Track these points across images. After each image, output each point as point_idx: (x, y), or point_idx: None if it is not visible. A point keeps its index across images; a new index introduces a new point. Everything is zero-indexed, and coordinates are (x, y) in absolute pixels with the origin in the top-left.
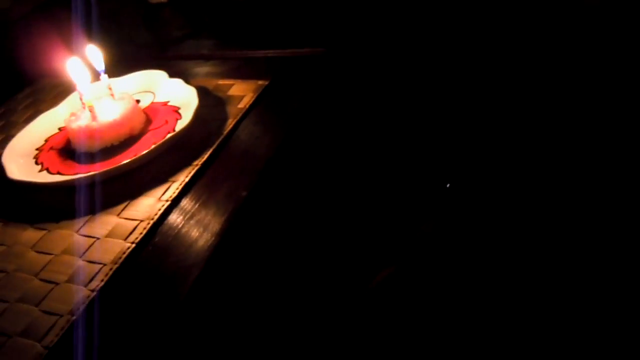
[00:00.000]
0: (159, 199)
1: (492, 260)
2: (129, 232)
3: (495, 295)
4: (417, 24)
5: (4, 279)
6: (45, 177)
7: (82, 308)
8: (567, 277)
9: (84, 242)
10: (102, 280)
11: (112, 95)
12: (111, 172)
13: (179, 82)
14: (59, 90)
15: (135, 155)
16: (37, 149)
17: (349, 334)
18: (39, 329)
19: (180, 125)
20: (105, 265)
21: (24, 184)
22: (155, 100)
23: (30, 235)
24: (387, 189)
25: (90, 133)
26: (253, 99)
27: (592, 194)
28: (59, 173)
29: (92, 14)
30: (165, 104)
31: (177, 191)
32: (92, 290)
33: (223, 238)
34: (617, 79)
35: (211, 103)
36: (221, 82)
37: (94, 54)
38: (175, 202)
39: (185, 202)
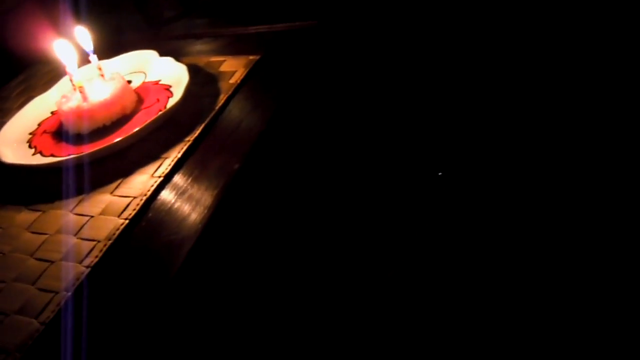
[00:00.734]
0: (152, 175)
1: (488, 257)
2: (122, 209)
3: (494, 294)
4: None
5: (0, 260)
6: (38, 160)
7: (77, 284)
8: (566, 275)
9: (78, 220)
10: (96, 257)
11: (102, 76)
12: (103, 151)
13: (169, 60)
14: (51, 76)
15: (126, 134)
16: (30, 134)
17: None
18: (35, 307)
19: (172, 102)
20: (99, 242)
21: (18, 167)
22: (147, 80)
23: (26, 216)
24: (378, 165)
25: (81, 114)
26: (244, 74)
27: (589, 191)
28: (52, 155)
29: None
30: (156, 82)
31: (170, 167)
32: (87, 267)
33: (215, 212)
34: (618, 78)
35: (203, 80)
36: (213, 59)
37: (82, 35)
38: (167, 178)
39: (178, 178)
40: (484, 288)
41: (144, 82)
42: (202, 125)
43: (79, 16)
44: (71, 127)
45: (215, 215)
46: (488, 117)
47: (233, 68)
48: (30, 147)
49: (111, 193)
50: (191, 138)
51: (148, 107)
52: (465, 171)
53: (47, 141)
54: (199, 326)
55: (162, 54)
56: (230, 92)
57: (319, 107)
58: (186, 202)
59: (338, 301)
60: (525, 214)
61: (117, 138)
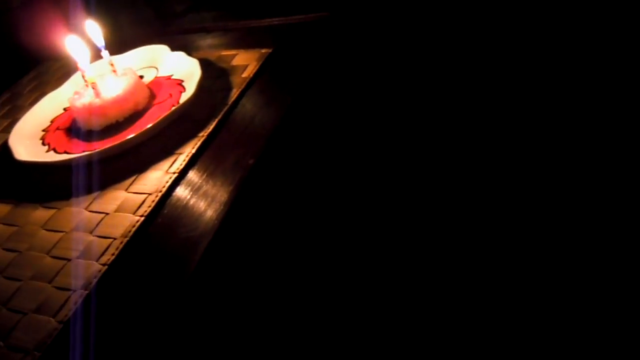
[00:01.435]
0: (167, 171)
1: (488, 257)
2: (137, 205)
3: (494, 294)
4: None
5: (17, 258)
6: (52, 157)
7: (94, 282)
8: (566, 275)
9: (94, 218)
10: (113, 254)
11: (114, 71)
12: (117, 148)
13: (181, 55)
14: (63, 72)
15: (140, 130)
16: (43, 130)
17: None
18: (52, 305)
19: (184, 97)
20: (115, 239)
21: (31, 165)
22: (159, 75)
23: (41, 214)
24: (392, 160)
25: (93, 110)
26: (257, 67)
27: (589, 191)
28: (65, 152)
29: None
30: (168, 77)
31: (184, 163)
32: (104, 265)
33: (231, 207)
34: (618, 77)
35: (215, 74)
36: (224, 53)
37: (93, 30)
38: (182, 174)
39: (193, 174)
40: (484, 288)
41: (156, 77)
42: (216, 120)
43: (89, 11)
44: (84, 123)
45: (231, 211)
46: (500, 116)
47: (245, 62)
48: (43, 144)
49: (126, 190)
50: (205, 133)
51: (161, 102)
52: (470, 170)
53: (61, 138)
54: (216, 323)
55: (173, 48)
56: (243, 87)
57: (333, 99)
58: (202, 198)
59: (354, 298)
60: (526, 214)
61: (130, 134)
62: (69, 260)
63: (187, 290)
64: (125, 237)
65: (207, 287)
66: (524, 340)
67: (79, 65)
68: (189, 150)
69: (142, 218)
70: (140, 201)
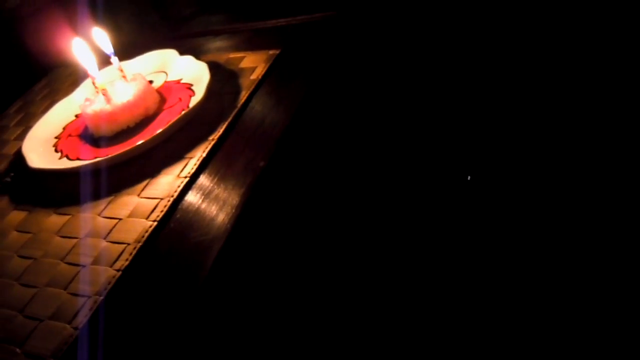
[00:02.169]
0: (178, 176)
1: (488, 258)
2: (150, 210)
3: (494, 294)
4: None
5: (32, 265)
6: (65, 164)
7: (108, 288)
8: (566, 275)
9: (107, 223)
10: (126, 260)
11: (124, 77)
12: (128, 153)
13: (190, 59)
14: (73, 78)
15: (151, 135)
16: (55, 137)
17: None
18: (68, 312)
19: (194, 101)
20: (129, 244)
21: (45, 172)
22: (168, 79)
23: (55, 221)
24: (403, 160)
25: (105, 116)
26: (265, 69)
27: (589, 191)
28: (78, 159)
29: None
30: (178, 82)
31: (195, 167)
32: (118, 270)
33: (243, 210)
34: (618, 77)
35: (223, 77)
36: (232, 55)
37: (101, 37)
38: (193, 178)
39: (204, 178)
40: (485, 288)
41: (165, 82)
42: (226, 123)
43: (97, 18)
44: (95, 130)
45: (243, 215)
46: (509, 119)
47: (253, 64)
48: (56, 151)
49: (138, 195)
50: (215, 137)
51: (171, 106)
52: (476, 170)
53: (73, 144)
54: (231, 327)
55: (181, 52)
56: (252, 89)
57: (342, 99)
58: (213, 202)
59: (370, 300)
60: (526, 214)
61: (141, 139)
62: (83, 266)
63: (201, 294)
64: (139, 242)
65: (220, 291)
66: (524, 340)
67: (89, 72)
68: (199, 154)
69: (155, 223)
70: (153, 206)
